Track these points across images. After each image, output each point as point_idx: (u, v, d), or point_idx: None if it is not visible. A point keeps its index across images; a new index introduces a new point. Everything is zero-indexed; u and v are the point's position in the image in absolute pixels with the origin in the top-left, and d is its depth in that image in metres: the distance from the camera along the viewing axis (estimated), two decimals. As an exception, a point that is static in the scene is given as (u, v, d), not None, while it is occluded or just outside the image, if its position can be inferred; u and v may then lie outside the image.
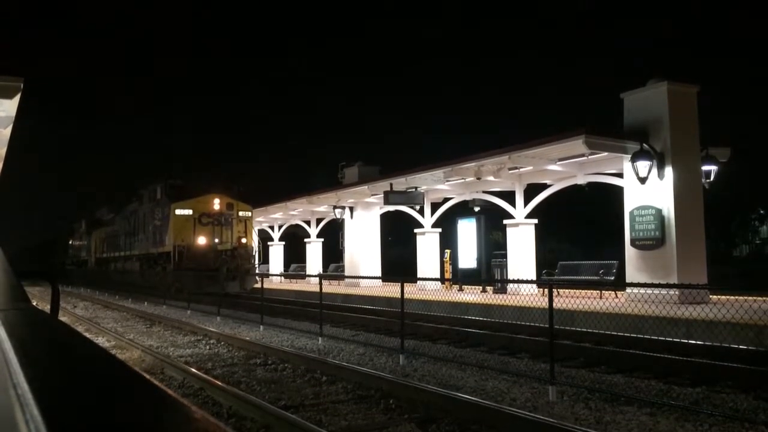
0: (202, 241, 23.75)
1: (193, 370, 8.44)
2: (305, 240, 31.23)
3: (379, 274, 24.32)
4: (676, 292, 12.53)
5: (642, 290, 11.60)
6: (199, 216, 23.96)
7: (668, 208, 14.17)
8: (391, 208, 23.53)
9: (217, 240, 24.01)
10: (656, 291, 10.62)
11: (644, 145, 14.33)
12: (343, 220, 25.78)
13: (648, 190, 14.42)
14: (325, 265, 30.43)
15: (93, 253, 38.59)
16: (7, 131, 10.69)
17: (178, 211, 23.92)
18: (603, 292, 15.59)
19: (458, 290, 19.90)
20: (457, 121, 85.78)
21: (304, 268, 31.29)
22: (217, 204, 24.41)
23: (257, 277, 22.39)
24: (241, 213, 25.00)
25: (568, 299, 9.97)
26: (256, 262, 25.76)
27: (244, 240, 24.73)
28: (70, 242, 47.26)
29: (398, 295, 9.79)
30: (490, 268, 19.51)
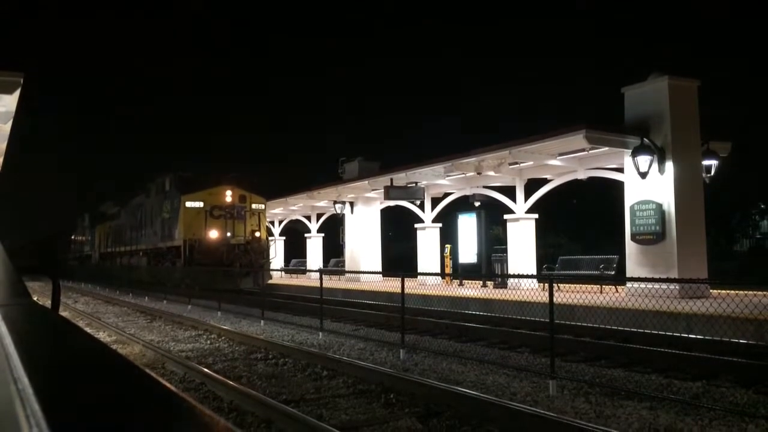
0: (213, 234, 22.79)
1: (194, 364, 8.47)
2: (305, 235, 31.23)
3: (379, 269, 24.33)
4: (677, 287, 12.55)
5: (642, 285, 11.61)
6: (210, 208, 22.99)
7: (669, 203, 14.16)
8: (392, 203, 23.53)
9: (229, 234, 23.11)
10: (656, 286, 10.62)
11: (645, 139, 14.32)
12: (343, 215, 25.74)
13: (648, 185, 14.42)
14: (326, 261, 30.39)
15: (97, 248, 38.17)
16: (7, 126, 10.71)
17: (188, 204, 22.90)
18: (603, 286, 15.60)
19: (458, 285, 19.91)
20: (457, 120, 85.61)
21: (304, 264, 31.26)
22: (229, 196, 23.45)
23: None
24: (254, 206, 24.08)
25: (569, 294, 10.06)
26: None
27: (257, 234, 23.83)
28: (73, 237, 47.09)
29: (398, 290, 9.80)
30: (491, 263, 19.52)
